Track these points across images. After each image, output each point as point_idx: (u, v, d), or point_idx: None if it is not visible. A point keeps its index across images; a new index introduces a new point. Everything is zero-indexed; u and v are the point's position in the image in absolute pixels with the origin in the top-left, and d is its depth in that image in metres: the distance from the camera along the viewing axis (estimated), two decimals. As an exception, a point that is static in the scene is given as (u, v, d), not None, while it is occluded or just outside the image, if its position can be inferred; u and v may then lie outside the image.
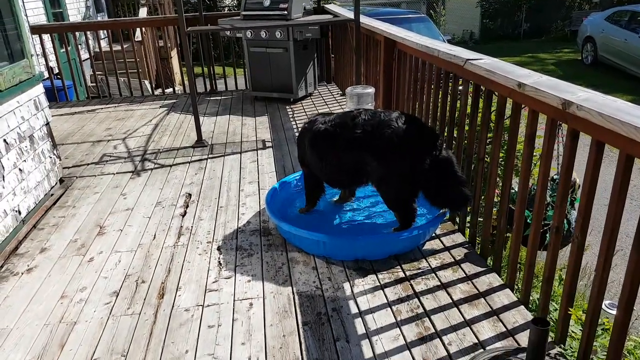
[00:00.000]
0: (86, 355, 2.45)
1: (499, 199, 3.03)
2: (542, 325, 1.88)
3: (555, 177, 3.45)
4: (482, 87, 3.00)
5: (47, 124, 4.35)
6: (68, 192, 4.37)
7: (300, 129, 3.62)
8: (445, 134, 3.49)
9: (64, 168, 4.77)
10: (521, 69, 2.62)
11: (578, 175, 3.21)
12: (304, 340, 2.47)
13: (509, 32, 21.31)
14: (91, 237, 3.58)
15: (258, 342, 2.47)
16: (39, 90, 4.22)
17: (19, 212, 3.68)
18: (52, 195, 4.29)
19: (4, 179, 3.50)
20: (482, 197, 3.15)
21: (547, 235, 3.31)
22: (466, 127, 3.26)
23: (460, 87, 3.25)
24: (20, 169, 3.76)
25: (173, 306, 2.78)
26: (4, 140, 3.57)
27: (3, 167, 3.51)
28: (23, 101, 3.92)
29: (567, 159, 2.25)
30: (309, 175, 3.59)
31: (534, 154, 2.63)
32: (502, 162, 3.26)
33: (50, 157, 4.33)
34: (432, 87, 3.69)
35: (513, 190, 3.17)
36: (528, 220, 2.98)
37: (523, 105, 2.60)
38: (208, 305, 2.76)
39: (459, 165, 3.18)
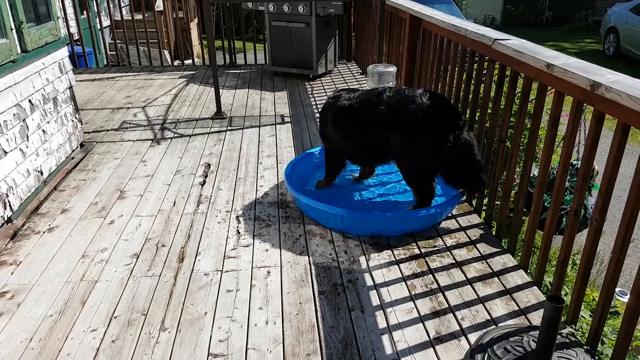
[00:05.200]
0: (107, 313, 2.53)
1: (517, 181, 3.05)
2: (556, 302, 1.91)
3: (574, 162, 3.46)
4: (507, 69, 2.99)
5: (71, 87, 4.40)
6: (89, 156, 4.44)
7: (323, 104, 3.63)
8: (468, 115, 3.49)
9: (84, 133, 4.83)
10: (550, 51, 2.61)
11: (596, 164, 3.21)
12: (320, 308, 2.52)
13: (531, 19, 20.94)
14: (111, 201, 3.64)
15: (275, 307, 2.53)
16: (63, 53, 4.27)
17: (41, 173, 3.75)
18: (73, 158, 4.36)
19: (28, 139, 3.56)
20: (501, 181, 3.16)
21: (564, 219, 3.33)
22: (489, 110, 3.27)
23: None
24: (43, 130, 3.82)
25: (192, 270, 2.84)
26: (29, 101, 3.62)
27: (27, 127, 3.57)
28: (48, 63, 3.96)
29: (590, 142, 2.25)
30: (329, 150, 3.61)
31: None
32: (522, 147, 3.26)
33: (73, 121, 4.39)
34: (457, 67, 3.68)
35: (531, 175, 3.18)
36: (546, 204, 3.00)
37: (549, 88, 2.60)
38: (227, 271, 2.82)
39: (478, 149, 3.19)
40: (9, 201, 3.27)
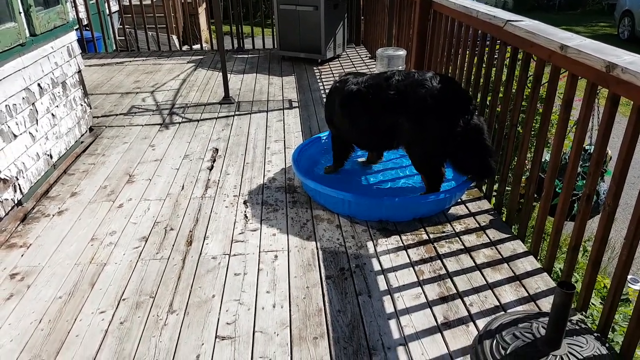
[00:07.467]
0: (115, 295, 2.54)
1: (528, 167, 3.00)
2: (567, 288, 1.88)
3: (587, 147, 3.40)
4: (520, 51, 2.94)
5: (79, 71, 4.39)
6: (98, 141, 4.45)
7: (329, 89, 3.59)
8: (478, 100, 3.43)
9: (93, 117, 4.83)
10: (563, 32, 2.55)
11: (609, 150, 3.15)
12: (327, 292, 2.52)
13: (544, 3, 20.56)
14: (120, 185, 3.65)
15: (282, 291, 2.53)
16: (72, 37, 4.25)
17: (51, 157, 3.76)
18: (82, 142, 4.36)
19: (37, 123, 3.57)
20: (512, 166, 3.12)
21: (575, 205, 3.29)
22: (500, 94, 3.21)
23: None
24: (52, 114, 3.82)
25: (200, 253, 2.84)
26: (38, 85, 3.62)
27: (37, 111, 3.57)
28: (57, 47, 3.95)
29: (605, 125, 2.20)
30: (337, 135, 3.58)
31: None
32: (533, 132, 3.21)
33: (82, 105, 4.39)
34: (468, 50, 3.61)
35: (543, 160, 3.13)
36: (557, 190, 2.96)
37: (562, 70, 2.54)
38: (234, 255, 2.82)
39: (489, 134, 3.13)
40: (19, 184, 3.28)
